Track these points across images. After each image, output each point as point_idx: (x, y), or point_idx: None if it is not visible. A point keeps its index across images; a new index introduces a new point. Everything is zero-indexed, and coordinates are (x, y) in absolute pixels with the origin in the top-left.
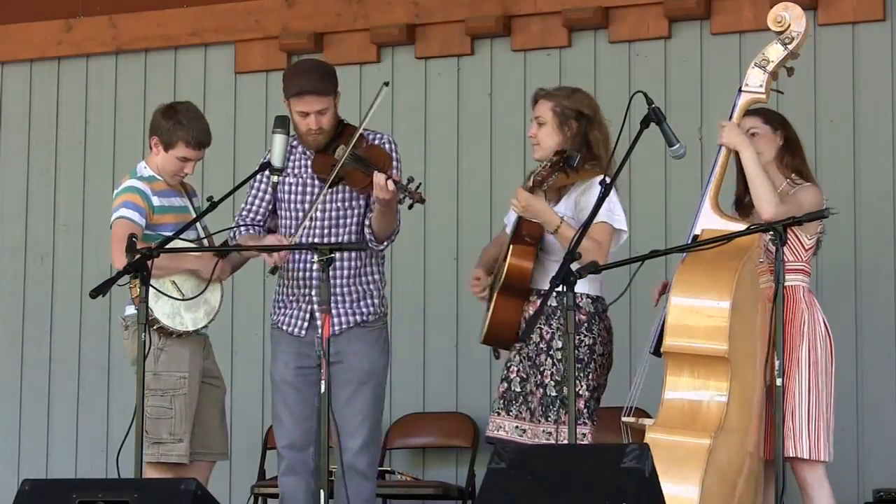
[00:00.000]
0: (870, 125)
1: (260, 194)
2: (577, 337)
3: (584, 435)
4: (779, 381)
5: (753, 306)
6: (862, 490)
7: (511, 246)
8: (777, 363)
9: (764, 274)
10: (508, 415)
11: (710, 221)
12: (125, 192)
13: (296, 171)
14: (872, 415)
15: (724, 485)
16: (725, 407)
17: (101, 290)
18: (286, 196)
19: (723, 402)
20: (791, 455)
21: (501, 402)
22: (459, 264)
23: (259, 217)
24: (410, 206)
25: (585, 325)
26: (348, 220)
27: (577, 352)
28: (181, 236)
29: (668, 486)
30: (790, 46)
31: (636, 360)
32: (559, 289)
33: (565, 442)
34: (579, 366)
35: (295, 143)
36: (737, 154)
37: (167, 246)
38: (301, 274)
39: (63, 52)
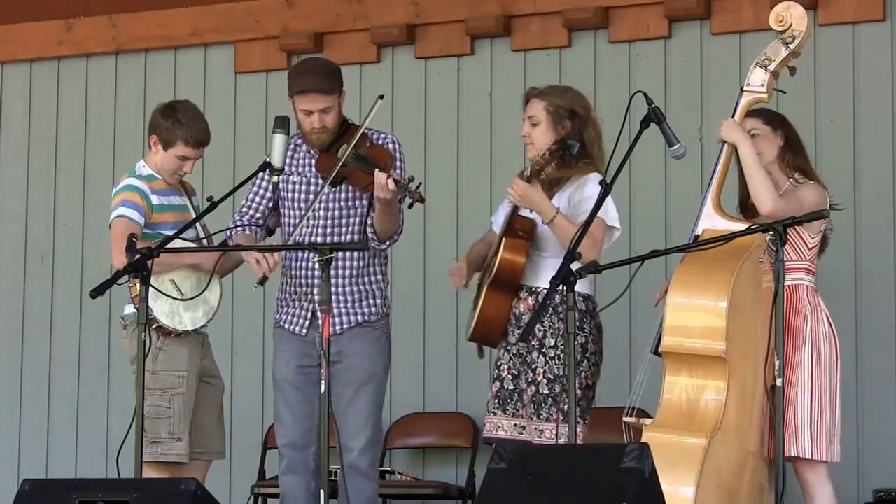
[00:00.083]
0: (870, 125)
1: (261, 192)
2: (567, 336)
3: (576, 434)
4: (779, 381)
5: (754, 306)
6: (862, 490)
7: (503, 239)
8: (777, 363)
9: (767, 273)
10: (505, 413)
11: (711, 221)
12: (124, 190)
13: (300, 169)
14: (872, 415)
15: (723, 485)
16: (723, 407)
17: (101, 290)
18: (290, 195)
19: (720, 402)
20: (793, 455)
21: (496, 401)
22: None
23: (259, 215)
24: (410, 206)
25: (577, 323)
26: (351, 220)
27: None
28: (181, 236)
29: (663, 486)
30: (792, 46)
31: (636, 360)
32: (559, 289)
33: (556, 440)
34: (568, 364)
35: (300, 141)
36: (738, 154)
37: (167, 246)
38: (303, 273)
39: (63, 52)
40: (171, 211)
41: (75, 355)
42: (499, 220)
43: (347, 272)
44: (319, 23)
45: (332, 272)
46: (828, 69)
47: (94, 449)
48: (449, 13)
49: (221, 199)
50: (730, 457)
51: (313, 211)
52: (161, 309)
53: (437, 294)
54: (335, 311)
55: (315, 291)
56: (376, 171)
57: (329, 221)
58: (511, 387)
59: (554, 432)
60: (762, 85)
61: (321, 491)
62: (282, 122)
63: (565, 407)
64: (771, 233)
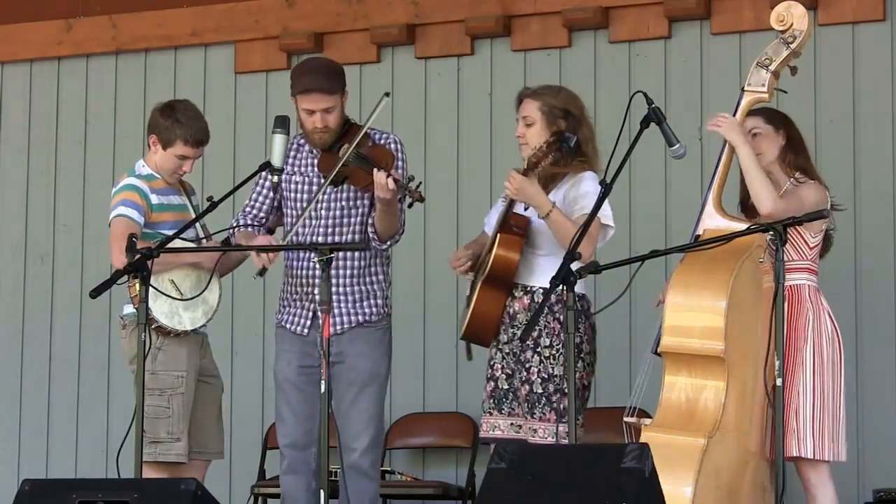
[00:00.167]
0: (870, 125)
1: (264, 192)
2: (566, 336)
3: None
4: (779, 381)
5: (754, 306)
6: (862, 490)
7: (498, 235)
8: (777, 363)
9: (767, 273)
10: (501, 413)
11: (712, 221)
12: (123, 189)
13: (302, 169)
14: (872, 415)
15: (722, 485)
16: (722, 407)
17: (100, 290)
18: (292, 195)
19: (720, 402)
20: (794, 455)
21: (491, 401)
22: None
23: (262, 215)
24: (410, 205)
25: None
26: (352, 220)
27: (564, 350)
28: (181, 236)
29: (662, 486)
30: (793, 45)
31: (636, 360)
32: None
33: (550, 440)
34: (567, 364)
35: (302, 141)
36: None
37: (167, 246)
38: (304, 273)
39: (63, 52)
40: (171, 210)
41: (75, 355)
42: (491, 223)
43: (349, 272)
44: (319, 23)
45: (334, 272)
46: (828, 69)
47: (94, 449)
48: (449, 13)
49: (221, 199)
50: (729, 457)
51: (313, 210)
52: (160, 309)
53: (437, 294)
54: (336, 310)
55: (316, 291)
56: (375, 170)
57: (330, 221)
58: (505, 386)
59: (547, 432)
60: (763, 84)
61: (321, 491)
62: (282, 122)
63: (559, 406)
64: (771, 233)
